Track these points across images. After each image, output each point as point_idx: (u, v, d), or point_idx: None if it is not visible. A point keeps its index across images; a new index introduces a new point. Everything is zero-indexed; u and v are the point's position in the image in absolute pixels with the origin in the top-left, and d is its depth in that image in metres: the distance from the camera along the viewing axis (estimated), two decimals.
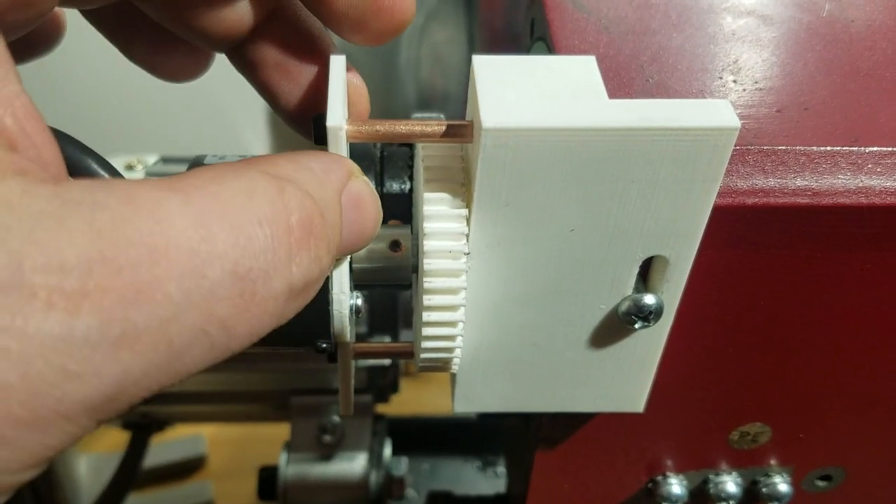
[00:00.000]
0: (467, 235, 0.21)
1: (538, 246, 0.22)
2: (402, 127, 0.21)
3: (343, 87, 0.21)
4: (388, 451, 0.44)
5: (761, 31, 0.28)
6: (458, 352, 0.23)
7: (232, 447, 0.66)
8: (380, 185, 0.29)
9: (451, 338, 0.23)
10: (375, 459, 0.42)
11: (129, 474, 0.47)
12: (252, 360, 0.43)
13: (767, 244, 0.24)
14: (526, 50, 0.32)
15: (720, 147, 0.20)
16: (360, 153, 0.29)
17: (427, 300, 0.22)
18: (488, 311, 0.24)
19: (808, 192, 0.23)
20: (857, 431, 0.31)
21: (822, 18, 0.28)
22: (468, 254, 0.22)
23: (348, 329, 0.23)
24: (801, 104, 0.25)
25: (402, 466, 0.43)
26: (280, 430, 0.48)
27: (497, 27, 0.61)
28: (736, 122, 0.20)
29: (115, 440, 0.53)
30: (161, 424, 0.48)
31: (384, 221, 0.26)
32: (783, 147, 0.23)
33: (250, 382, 0.45)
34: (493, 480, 0.57)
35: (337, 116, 0.20)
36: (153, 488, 0.63)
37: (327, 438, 0.42)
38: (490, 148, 0.20)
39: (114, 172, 0.18)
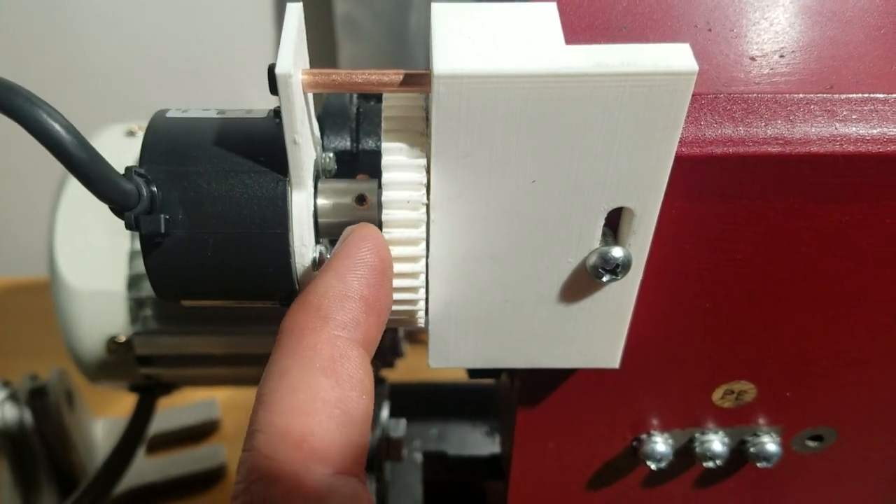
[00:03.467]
0: (427, 185, 0.21)
1: (500, 198, 0.22)
2: (358, 76, 0.21)
3: (298, 35, 0.21)
4: (385, 413, 0.44)
5: None
6: (421, 304, 0.23)
7: (244, 411, 0.67)
8: (355, 141, 0.29)
9: (413, 289, 0.23)
10: (373, 421, 0.42)
11: (136, 436, 0.48)
12: (256, 320, 0.44)
13: (740, 195, 0.23)
14: None
15: (679, 92, 0.20)
16: (335, 109, 0.29)
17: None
18: (456, 266, 0.24)
19: (780, 141, 0.22)
20: (846, 390, 0.30)
21: None
22: (427, 203, 0.22)
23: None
24: (778, 51, 0.24)
25: (400, 428, 0.44)
26: None
27: None
28: (693, 66, 0.19)
29: (130, 405, 0.53)
30: (168, 387, 0.49)
31: (354, 175, 0.26)
32: (754, 94, 0.22)
33: (256, 344, 0.45)
34: (500, 444, 0.58)
35: (286, 63, 0.20)
36: (168, 451, 0.64)
37: None
38: (443, 95, 0.20)
39: (67, 126, 0.18)
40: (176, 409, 0.65)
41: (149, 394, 0.48)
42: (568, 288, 0.24)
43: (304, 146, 0.21)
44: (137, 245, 0.43)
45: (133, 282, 0.43)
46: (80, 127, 0.19)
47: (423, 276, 0.22)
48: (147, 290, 0.43)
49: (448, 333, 0.25)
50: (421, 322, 0.24)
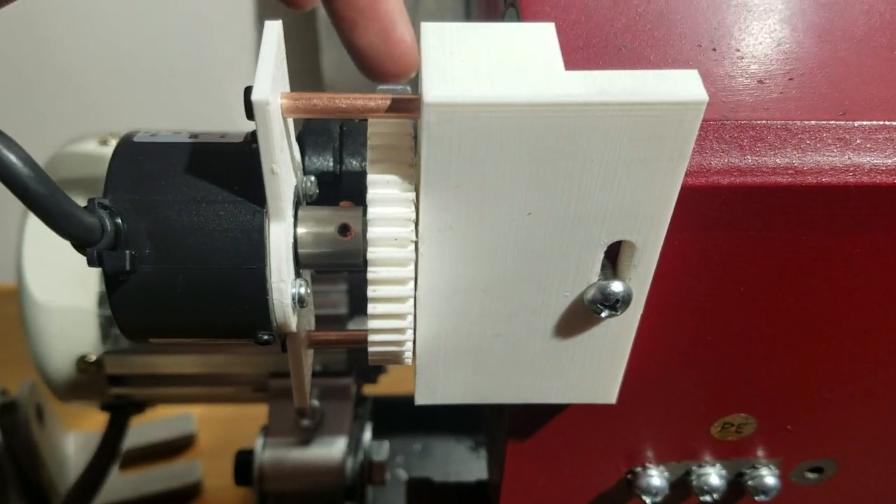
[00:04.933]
0: (415, 221, 0.20)
1: (494, 230, 0.20)
2: (342, 101, 0.20)
3: (276, 56, 0.19)
4: (368, 435, 0.43)
5: None
6: (408, 345, 0.22)
7: (221, 425, 0.65)
8: (338, 162, 0.27)
9: (399, 331, 0.21)
10: (354, 444, 0.41)
11: (107, 458, 0.46)
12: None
13: (746, 227, 0.22)
14: (500, 18, 0.30)
15: (686, 123, 0.18)
16: (317, 127, 0.27)
17: (372, 291, 0.20)
18: (445, 299, 0.22)
19: (790, 171, 0.21)
20: (848, 423, 0.29)
21: None
22: (416, 241, 0.20)
23: (292, 319, 0.21)
24: (787, 73, 0.23)
25: (382, 451, 0.42)
26: None
27: None
28: (703, 96, 0.18)
29: (103, 420, 0.52)
30: (140, 406, 0.47)
31: (337, 198, 0.24)
32: (763, 121, 0.21)
33: (228, 364, 0.44)
34: (485, 461, 0.56)
35: (264, 89, 0.18)
36: (142, 467, 0.62)
37: (306, 423, 0.41)
38: (434, 124, 0.18)
39: (24, 158, 0.17)
40: (151, 424, 0.63)
41: (121, 413, 0.47)
42: (564, 322, 0.23)
43: (283, 174, 0.20)
44: None
45: (104, 299, 0.41)
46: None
47: (410, 317, 0.21)
48: None
49: (436, 368, 0.24)
50: (408, 360, 0.23)
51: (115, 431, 0.46)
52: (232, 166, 0.20)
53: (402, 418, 0.60)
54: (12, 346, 0.52)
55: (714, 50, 0.23)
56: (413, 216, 0.20)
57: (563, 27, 0.24)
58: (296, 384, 0.24)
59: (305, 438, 0.41)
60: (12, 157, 0.17)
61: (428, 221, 0.20)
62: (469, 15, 0.59)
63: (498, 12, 0.31)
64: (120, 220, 0.19)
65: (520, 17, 0.25)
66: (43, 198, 0.17)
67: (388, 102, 0.20)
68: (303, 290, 0.21)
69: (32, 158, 0.17)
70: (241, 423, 0.64)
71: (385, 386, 0.53)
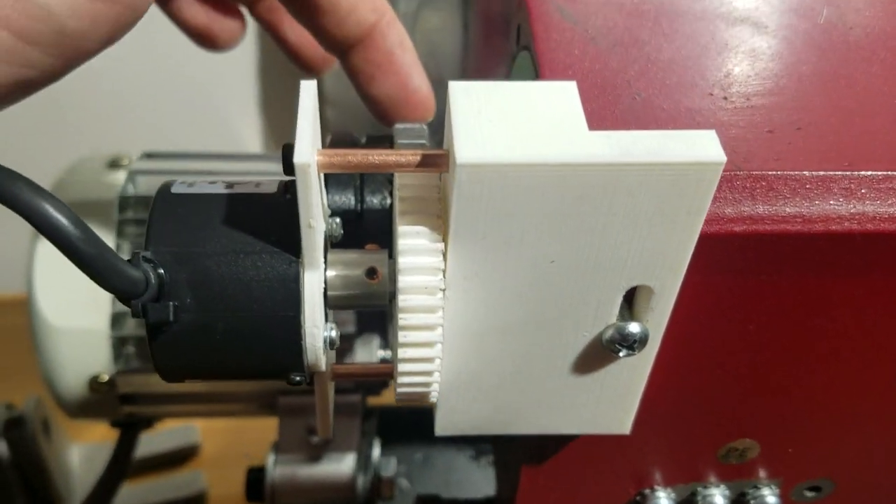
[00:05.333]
0: (444, 270, 0.21)
1: (517, 277, 0.21)
2: (375, 157, 0.21)
3: (314, 115, 0.20)
4: (376, 451, 0.44)
5: (755, 40, 0.27)
6: (435, 385, 0.23)
7: (224, 435, 0.66)
8: (360, 201, 0.28)
9: (427, 373, 0.22)
10: (363, 460, 0.42)
11: (118, 473, 0.47)
12: None
13: (757, 271, 0.23)
14: (511, 58, 0.31)
15: (705, 181, 0.19)
16: None
17: (403, 336, 0.21)
18: (468, 340, 0.23)
19: (799, 219, 0.22)
20: (846, 445, 0.30)
21: (820, 25, 0.27)
22: (444, 289, 0.21)
23: (323, 360, 0.22)
24: (794, 123, 0.24)
25: (390, 467, 0.43)
26: (273, 420, 0.48)
27: (492, 14, 0.60)
28: (721, 157, 0.19)
29: (107, 432, 0.52)
30: (149, 421, 0.48)
31: (362, 243, 0.25)
32: (773, 172, 0.22)
33: (239, 383, 0.44)
34: (486, 470, 0.57)
35: (305, 151, 0.19)
36: (146, 477, 0.63)
37: (315, 439, 0.42)
38: (465, 183, 0.19)
39: (73, 218, 0.18)
40: (155, 434, 0.63)
41: (131, 429, 0.47)
42: (581, 360, 0.24)
43: (318, 226, 0.21)
44: None
45: (116, 319, 0.42)
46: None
47: (438, 360, 0.22)
48: (130, 328, 0.42)
49: (456, 403, 0.25)
50: (434, 400, 0.23)
51: (124, 447, 0.47)
52: (268, 217, 0.21)
53: (403, 428, 0.60)
54: (15, 356, 0.52)
55: (725, 98, 0.24)
56: (442, 265, 0.21)
57: (581, 75, 0.25)
58: (321, 417, 0.25)
59: (315, 455, 0.42)
60: (61, 218, 0.18)
61: (454, 269, 0.21)
62: (467, 31, 0.60)
63: (507, 52, 0.32)
64: (162, 272, 0.20)
65: (535, 62, 0.26)
66: (91, 257, 0.18)
67: (419, 158, 0.21)
68: (333, 333, 0.22)
69: (77, 216, 0.18)
70: (244, 432, 0.65)
71: (385, 397, 0.53)
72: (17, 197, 0.17)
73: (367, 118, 0.66)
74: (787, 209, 0.22)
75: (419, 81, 0.30)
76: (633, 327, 0.22)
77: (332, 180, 0.28)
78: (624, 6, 0.28)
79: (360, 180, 0.28)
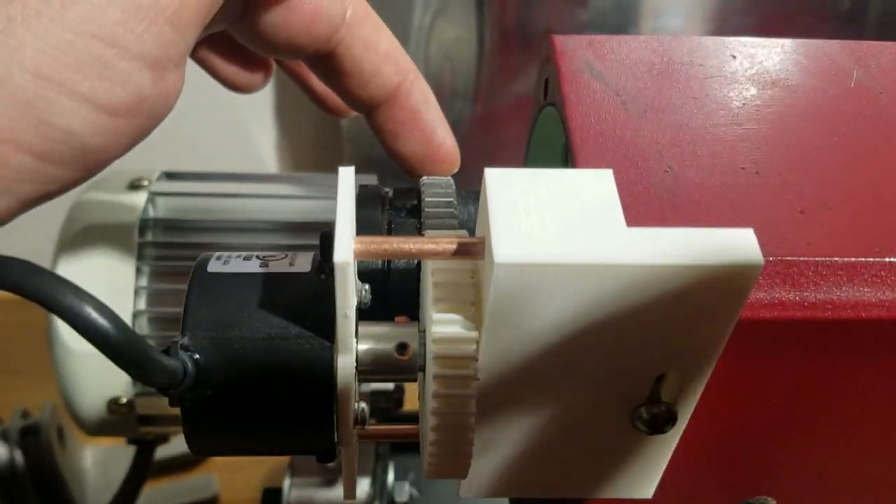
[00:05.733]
0: (477, 359, 0.21)
1: (549, 361, 0.21)
2: (411, 245, 0.21)
3: (352, 203, 0.20)
4: (391, 476, 0.44)
5: (786, 106, 0.26)
6: (467, 463, 0.23)
7: None
8: (386, 260, 0.28)
9: (457, 453, 0.22)
10: (378, 486, 0.42)
11: (134, 489, 0.47)
12: None
13: (785, 354, 0.23)
14: (537, 108, 0.31)
15: (743, 282, 0.19)
16: (364, 223, 0.28)
17: (434, 421, 0.21)
18: (498, 415, 0.23)
19: (829, 306, 0.22)
20: (859, 501, 0.30)
21: (850, 89, 0.27)
22: (478, 377, 0.21)
23: (353, 437, 0.22)
24: (825, 202, 0.24)
25: (404, 492, 0.44)
26: None
27: (508, 27, 0.59)
28: (759, 260, 0.19)
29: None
30: (166, 437, 0.49)
31: (389, 303, 0.25)
32: (805, 258, 0.22)
33: None
34: None
35: (345, 248, 0.19)
36: (159, 480, 0.63)
37: (330, 464, 0.42)
38: (503, 280, 0.19)
39: (115, 320, 0.18)
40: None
41: (147, 446, 0.48)
42: (609, 436, 0.24)
43: (352, 315, 0.21)
44: (140, 305, 0.42)
45: None
46: None
47: (470, 447, 0.22)
48: None
49: (482, 469, 0.25)
50: (465, 476, 0.24)
51: (141, 463, 0.47)
52: (303, 300, 0.21)
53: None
54: (31, 353, 0.53)
55: (757, 174, 0.24)
56: (476, 354, 0.21)
57: (612, 144, 0.25)
58: (348, 482, 0.25)
59: (330, 479, 0.43)
60: (105, 322, 0.18)
61: (488, 357, 0.21)
62: (483, 44, 0.60)
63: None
64: (199, 357, 0.20)
65: (566, 127, 0.26)
66: (132, 358, 0.18)
67: (454, 246, 0.21)
68: (363, 409, 0.22)
69: (118, 316, 0.18)
70: None
71: None
72: (59, 301, 0.17)
73: None
74: (818, 295, 0.22)
75: (443, 136, 0.30)
76: (662, 409, 0.23)
77: (358, 230, 0.28)
78: (654, 66, 0.28)
79: (387, 229, 0.28)
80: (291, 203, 0.43)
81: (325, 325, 0.21)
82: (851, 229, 0.23)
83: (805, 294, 0.22)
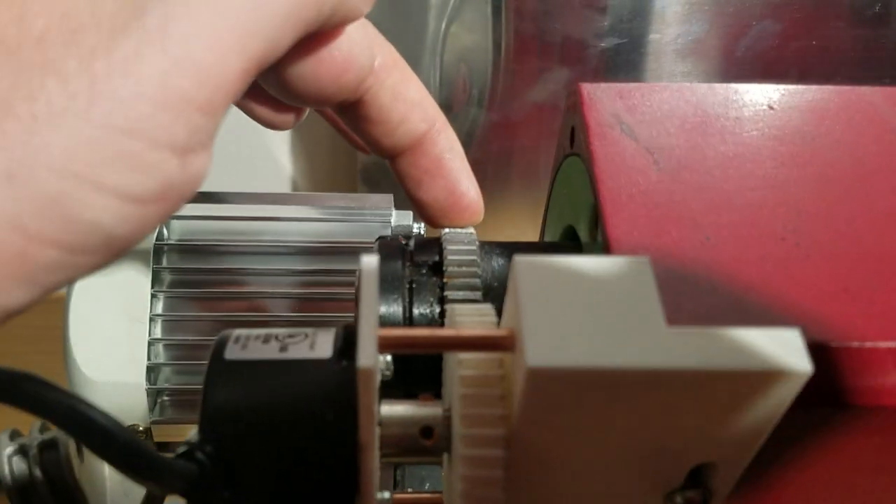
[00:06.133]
0: (505, 459, 0.20)
1: (581, 457, 0.21)
2: (437, 337, 0.20)
3: (376, 296, 0.19)
4: None
5: (827, 165, 0.25)
6: None
7: None
8: (408, 313, 0.27)
9: None
10: None
11: None
12: None
13: (822, 438, 0.22)
14: (562, 155, 0.30)
15: (788, 387, 0.18)
16: (388, 277, 0.27)
17: None
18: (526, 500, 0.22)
19: (870, 391, 0.21)
20: None
21: (894, 145, 0.26)
22: (504, 478, 0.20)
23: None
24: (870, 280, 0.22)
25: None
26: None
27: (525, 33, 0.58)
28: (807, 367, 0.18)
29: None
30: None
31: (413, 382, 0.24)
32: (850, 343, 0.21)
33: None
34: None
35: (369, 352, 0.18)
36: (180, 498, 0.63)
37: None
38: (535, 383, 0.18)
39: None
40: None
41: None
42: None
43: (377, 412, 0.20)
44: (156, 333, 0.42)
45: (151, 370, 0.42)
46: None
47: None
48: (165, 379, 0.42)
49: None
50: None
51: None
52: (324, 391, 0.20)
53: None
54: (48, 356, 0.52)
55: (797, 245, 0.23)
56: (504, 454, 0.20)
57: (644, 209, 0.24)
58: None
59: None
60: (119, 434, 0.17)
61: (517, 455, 0.20)
62: (499, 50, 0.58)
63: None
64: (217, 453, 0.20)
65: (594, 187, 0.25)
66: (145, 473, 0.18)
67: (483, 340, 0.20)
68: (387, 499, 0.22)
69: (125, 428, 0.18)
70: None
71: None
72: (73, 418, 0.17)
73: None
74: (860, 383, 0.21)
75: (467, 186, 0.29)
76: (698, 496, 0.22)
77: (381, 296, 0.27)
78: (687, 119, 0.26)
79: (409, 292, 0.27)
80: (309, 226, 0.43)
81: (347, 415, 0.20)
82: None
83: (848, 381, 0.21)
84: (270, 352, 0.21)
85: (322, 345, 0.22)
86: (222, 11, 0.17)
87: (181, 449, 0.19)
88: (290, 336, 0.22)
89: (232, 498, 0.20)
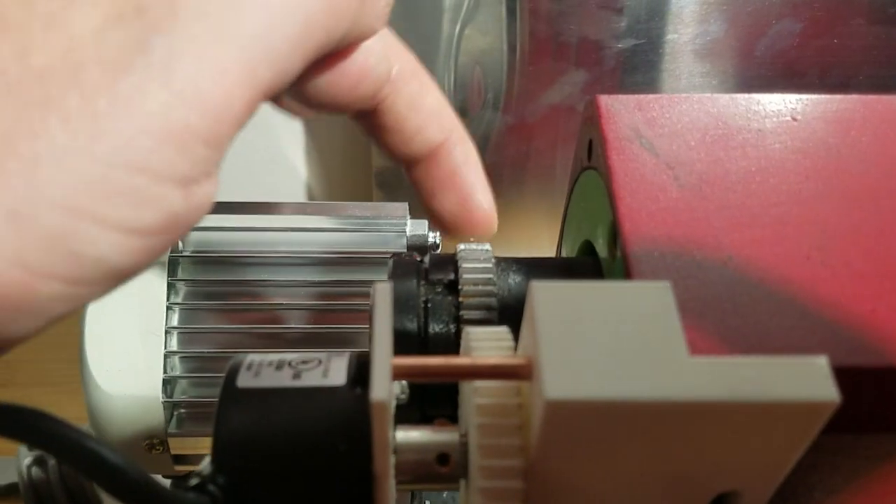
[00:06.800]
0: (524, 491, 0.20)
1: (600, 488, 0.20)
2: (452, 366, 0.19)
3: (390, 325, 0.19)
4: None
5: (852, 179, 0.25)
6: None
7: None
8: (423, 328, 0.27)
9: None
10: None
11: None
12: None
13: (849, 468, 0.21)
14: (580, 168, 0.29)
15: (814, 417, 0.18)
16: (403, 297, 0.27)
17: None
18: None
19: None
20: None
21: None
22: None
23: None
24: None
25: None
26: None
27: (540, 35, 0.57)
28: (835, 396, 0.17)
29: None
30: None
31: (428, 403, 0.24)
32: (877, 365, 0.21)
33: None
34: None
35: (383, 385, 0.18)
36: None
37: None
38: (554, 416, 0.18)
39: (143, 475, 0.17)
40: None
41: (182, 480, 0.47)
42: None
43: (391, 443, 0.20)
44: (172, 346, 0.41)
45: (168, 383, 0.42)
46: None
47: None
48: (181, 391, 0.42)
49: None
50: None
51: None
52: (338, 420, 0.20)
53: None
54: (63, 364, 0.52)
55: (823, 264, 0.23)
56: (522, 486, 0.20)
57: (664, 228, 0.23)
58: None
59: None
60: (131, 470, 0.17)
61: (536, 485, 0.20)
62: (514, 53, 0.58)
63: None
64: (231, 488, 0.19)
65: (613, 204, 0.24)
66: None
67: (498, 368, 0.19)
68: None
69: (133, 462, 0.17)
70: None
71: None
72: (83, 455, 0.17)
73: None
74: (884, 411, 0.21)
75: (480, 199, 0.28)
76: None
77: (395, 316, 0.27)
78: (708, 131, 0.26)
79: (424, 312, 0.27)
80: (325, 237, 0.42)
81: (361, 444, 0.20)
82: None
83: (880, 412, 0.21)
84: (283, 379, 0.21)
85: (336, 372, 0.21)
86: (228, 42, 0.17)
87: (193, 481, 0.19)
88: (304, 362, 0.22)
89: None
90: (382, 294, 0.19)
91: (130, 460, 0.17)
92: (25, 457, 0.53)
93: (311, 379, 0.21)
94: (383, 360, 0.18)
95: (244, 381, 0.21)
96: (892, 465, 0.21)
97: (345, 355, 0.22)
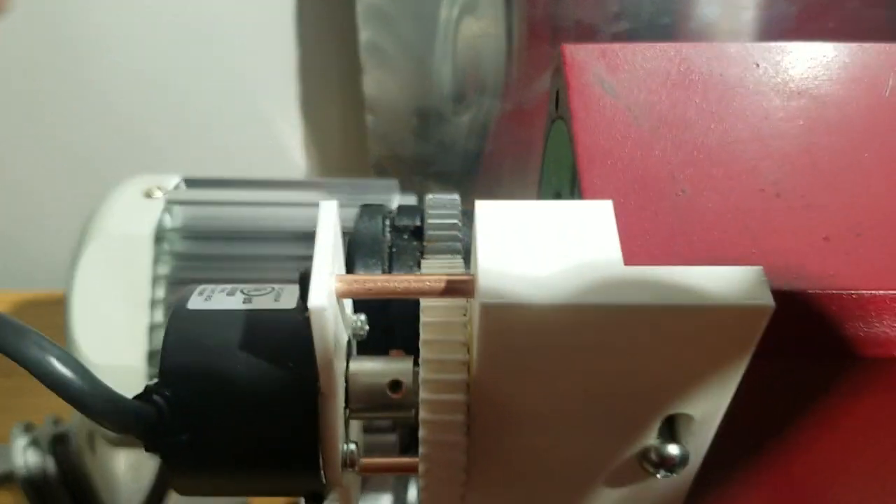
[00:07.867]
0: (468, 404, 0.20)
1: (547, 407, 0.20)
2: (397, 284, 0.19)
3: (333, 240, 0.19)
4: (412, 493, 0.43)
5: (812, 119, 0.25)
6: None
7: None
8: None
9: (451, 499, 0.21)
10: (399, 502, 0.41)
11: (160, 496, 0.47)
12: None
13: (805, 391, 0.21)
14: (550, 121, 0.29)
15: (752, 324, 0.18)
16: (365, 240, 0.27)
17: (424, 468, 0.20)
18: (496, 457, 0.22)
19: (852, 342, 0.20)
20: None
21: (885, 100, 0.25)
22: (469, 423, 0.20)
23: (342, 479, 0.21)
24: (853, 227, 0.22)
25: None
26: None
27: (537, 20, 0.57)
28: (769, 301, 0.17)
29: None
30: None
31: (394, 342, 0.24)
32: (828, 290, 0.20)
33: None
34: None
35: (320, 294, 0.18)
36: None
37: None
38: (490, 321, 0.18)
39: (79, 370, 0.17)
40: None
41: None
42: (617, 479, 0.22)
43: (338, 351, 0.20)
44: (156, 318, 0.42)
45: (153, 356, 0.42)
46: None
47: (461, 490, 0.21)
48: None
49: None
50: None
51: (163, 476, 0.47)
52: (286, 339, 0.20)
53: None
54: None
55: (777, 196, 0.23)
56: (466, 399, 0.20)
57: (621, 164, 0.23)
58: None
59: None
60: (68, 373, 0.17)
61: (480, 401, 0.20)
62: (511, 38, 0.58)
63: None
64: (175, 399, 0.20)
65: (573, 144, 0.25)
66: (102, 408, 0.17)
67: (443, 285, 0.19)
68: (353, 451, 0.21)
69: (82, 365, 0.18)
70: None
71: None
72: (23, 353, 0.17)
73: (406, 125, 0.64)
74: (840, 332, 0.20)
75: None
76: (673, 449, 0.21)
77: (359, 258, 0.27)
78: (669, 76, 0.26)
79: (388, 261, 0.27)
80: (312, 211, 0.43)
81: (309, 364, 0.20)
82: (881, 257, 0.21)
83: (826, 332, 0.20)
84: (234, 303, 0.21)
85: (287, 297, 0.22)
86: None
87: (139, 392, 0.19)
88: (257, 290, 0.22)
89: (189, 442, 0.19)
90: (326, 210, 0.19)
91: (79, 366, 0.18)
92: (20, 438, 0.53)
93: (262, 304, 0.21)
94: (321, 270, 0.18)
95: (195, 304, 0.21)
96: (847, 394, 0.21)
97: (297, 289, 0.22)
